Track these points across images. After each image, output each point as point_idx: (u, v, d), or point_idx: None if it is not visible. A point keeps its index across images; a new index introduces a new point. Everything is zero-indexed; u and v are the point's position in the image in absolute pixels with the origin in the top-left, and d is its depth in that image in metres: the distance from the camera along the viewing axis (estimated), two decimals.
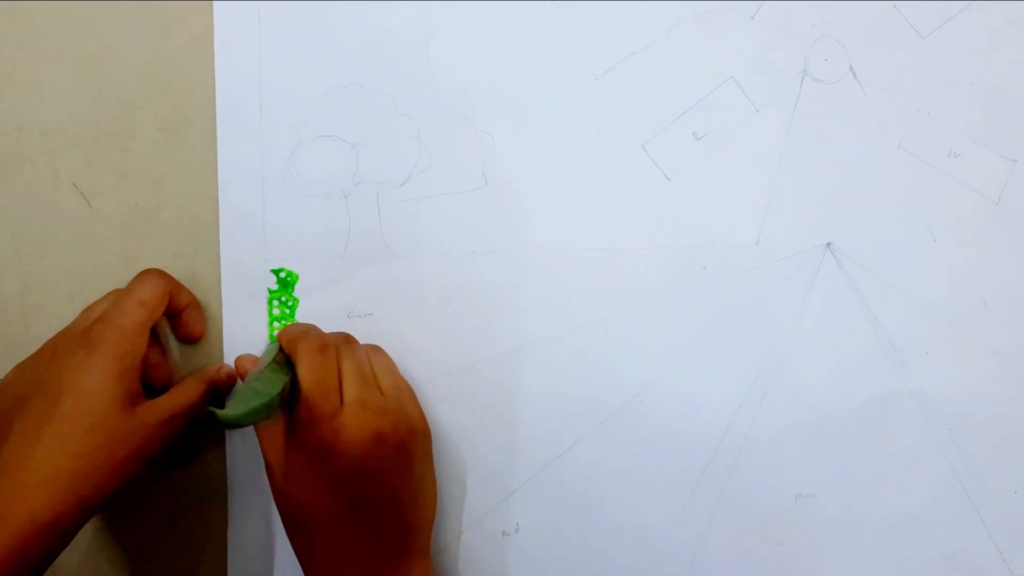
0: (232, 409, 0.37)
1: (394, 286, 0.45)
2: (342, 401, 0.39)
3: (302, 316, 0.45)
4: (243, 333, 0.45)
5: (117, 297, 0.42)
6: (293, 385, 0.40)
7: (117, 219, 0.45)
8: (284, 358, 0.42)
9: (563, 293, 0.45)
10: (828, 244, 0.45)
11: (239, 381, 0.44)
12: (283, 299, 0.45)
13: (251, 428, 0.43)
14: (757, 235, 0.45)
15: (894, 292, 0.45)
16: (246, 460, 0.45)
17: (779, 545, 0.45)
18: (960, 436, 0.45)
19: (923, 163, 0.45)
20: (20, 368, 0.41)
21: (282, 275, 0.45)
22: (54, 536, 0.37)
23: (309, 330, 0.43)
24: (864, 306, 0.45)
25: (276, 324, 0.45)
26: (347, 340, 0.43)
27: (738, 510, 0.45)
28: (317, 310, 0.45)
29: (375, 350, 0.44)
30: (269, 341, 0.45)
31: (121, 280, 0.44)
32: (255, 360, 0.43)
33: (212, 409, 0.37)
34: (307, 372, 0.39)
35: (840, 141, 0.45)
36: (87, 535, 0.46)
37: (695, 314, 0.45)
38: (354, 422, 0.39)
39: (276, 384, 0.39)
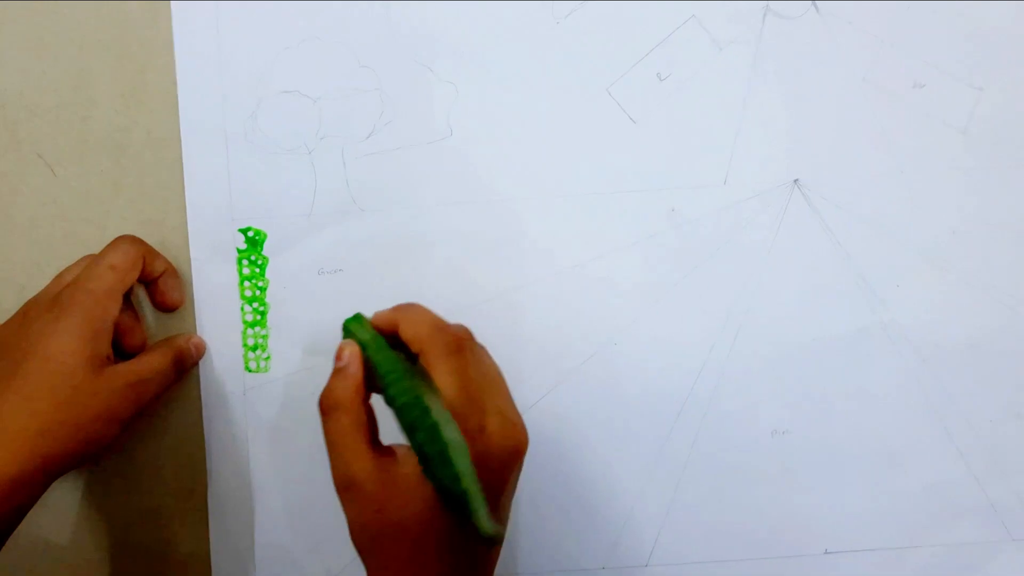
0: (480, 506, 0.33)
1: (363, 241, 0.45)
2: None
3: (272, 275, 0.45)
4: (213, 294, 0.45)
5: (89, 262, 0.42)
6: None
7: (82, 187, 0.45)
8: (406, 360, 0.37)
9: (532, 241, 0.45)
10: (796, 180, 0.45)
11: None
12: (252, 258, 0.45)
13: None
14: (725, 174, 0.45)
15: (863, 226, 0.45)
16: (223, 424, 0.45)
17: (757, 483, 0.45)
18: (935, 367, 0.45)
19: (888, 95, 0.45)
20: None
21: (250, 234, 0.45)
22: (20, 495, 0.37)
23: (435, 322, 0.37)
24: (834, 241, 0.45)
25: (247, 284, 0.45)
26: (469, 334, 0.37)
27: (714, 450, 0.45)
28: (287, 268, 0.45)
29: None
30: (346, 329, 0.38)
31: (88, 249, 0.44)
32: None
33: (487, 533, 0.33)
34: (450, 380, 0.35)
35: (805, 76, 0.45)
36: (68, 505, 0.46)
37: (665, 256, 0.45)
38: (499, 438, 0.35)
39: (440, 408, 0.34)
